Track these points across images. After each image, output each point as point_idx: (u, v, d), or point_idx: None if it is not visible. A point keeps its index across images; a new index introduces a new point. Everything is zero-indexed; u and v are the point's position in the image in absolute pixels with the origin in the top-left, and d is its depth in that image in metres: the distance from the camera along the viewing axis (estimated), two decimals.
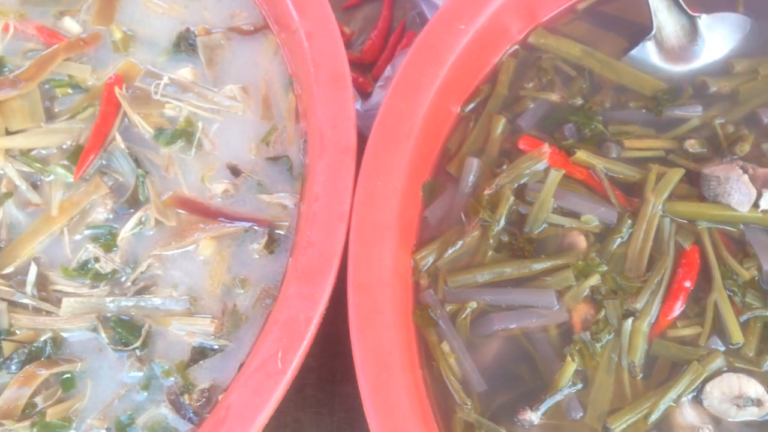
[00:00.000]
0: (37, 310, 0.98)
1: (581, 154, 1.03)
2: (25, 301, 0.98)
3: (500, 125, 1.08)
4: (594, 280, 0.98)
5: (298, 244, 0.95)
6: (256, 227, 1.04)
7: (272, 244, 1.02)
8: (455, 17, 1.04)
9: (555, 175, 1.00)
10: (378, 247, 0.94)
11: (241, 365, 0.95)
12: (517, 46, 1.14)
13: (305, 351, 0.89)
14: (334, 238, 0.93)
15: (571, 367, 0.94)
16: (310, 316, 0.90)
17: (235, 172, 1.07)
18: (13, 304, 0.98)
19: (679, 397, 0.93)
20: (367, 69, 1.41)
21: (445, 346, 0.98)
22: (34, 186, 1.06)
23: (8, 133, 1.06)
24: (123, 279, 1.01)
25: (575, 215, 1.02)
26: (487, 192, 1.03)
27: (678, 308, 0.97)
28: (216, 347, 0.98)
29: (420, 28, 1.42)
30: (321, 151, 0.98)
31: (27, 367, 0.94)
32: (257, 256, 1.03)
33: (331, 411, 1.21)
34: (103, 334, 0.97)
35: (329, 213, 0.95)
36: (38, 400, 0.94)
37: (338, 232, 0.94)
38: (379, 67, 1.39)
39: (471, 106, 1.11)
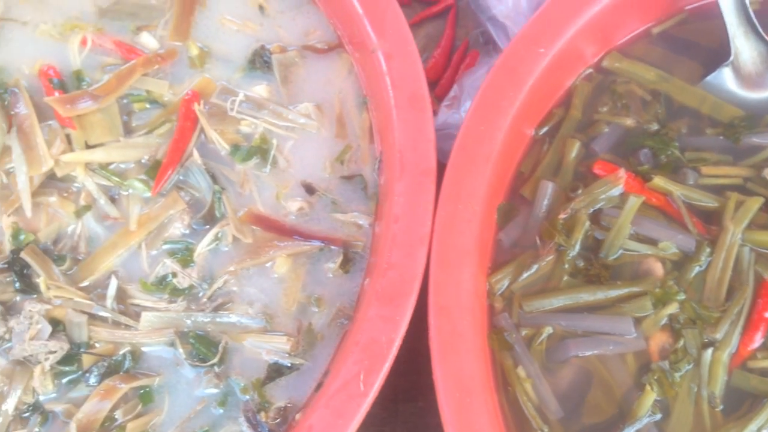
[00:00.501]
0: (116, 324, 0.99)
1: (659, 180, 1.03)
2: (104, 314, 0.99)
3: (575, 149, 1.08)
4: (672, 308, 0.97)
5: (378, 266, 0.95)
6: (331, 246, 1.04)
7: (347, 263, 1.03)
8: (535, 40, 1.04)
9: (634, 202, 0.99)
10: (458, 271, 0.94)
11: (319, 385, 0.95)
12: (591, 70, 1.14)
13: (386, 373, 0.89)
14: (415, 261, 0.93)
15: (650, 396, 0.93)
16: (391, 338, 0.90)
17: (309, 190, 1.07)
18: (92, 317, 0.99)
19: (760, 429, 0.91)
20: (430, 88, 1.40)
21: (521, 371, 0.97)
22: (112, 200, 1.07)
23: (88, 146, 1.07)
24: (200, 295, 1.02)
25: (652, 242, 1.01)
26: (562, 216, 1.03)
27: (758, 339, 0.96)
28: (292, 365, 0.98)
29: (483, 47, 1.43)
30: (400, 172, 0.99)
31: (107, 380, 0.95)
32: (332, 275, 1.03)
33: (393, 430, 1.20)
34: (181, 350, 0.98)
35: (410, 235, 0.95)
36: (117, 414, 0.95)
37: (419, 255, 0.94)
38: (443, 86, 1.39)
39: (545, 129, 1.11)
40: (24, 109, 1.08)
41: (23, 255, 1.00)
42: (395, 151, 1.01)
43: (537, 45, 1.04)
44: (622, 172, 1.04)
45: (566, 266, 1.01)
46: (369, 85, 1.12)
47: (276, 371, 0.98)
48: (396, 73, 1.03)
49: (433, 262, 0.94)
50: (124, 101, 1.12)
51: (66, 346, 0.96)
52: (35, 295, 1.01)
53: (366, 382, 0.88)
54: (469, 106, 1.24)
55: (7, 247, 1.02)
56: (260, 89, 1.13)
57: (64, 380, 0.97)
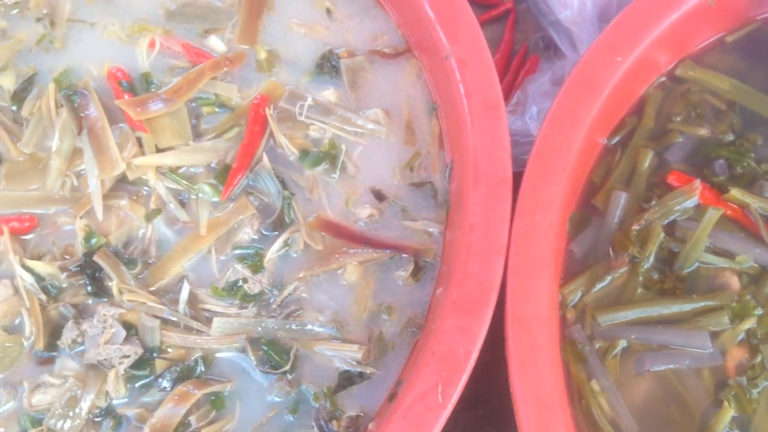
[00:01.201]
0: (188, 329, 0.99)
1: (735, 192, 1.01)
2: (175, 319, 0.99)
3: (648, 158, 1.06)
4: (750, 323, 0.96)
5: (452, 275, 0.94)
6: (401, 254, 1.03)
7: (418, 272, 1.02)
8: (612, 49, 1.02)
9: (713, 214, 0.97)
10: (536, 282, 0.93)
11: (392, 395, 0.95)
12: (664, 78, 1.12)
13: (464, 385, 0.88)
14: (493, 271, 0.92)
15: (728, 413, 0.92)
16: (469, 349, 0.89)
17: (379, 196, 1.07)
18: (164, 322, 0.99)
19: None
20: None
21: (595, 385, 0.96)
22: (182, 203, 1.07)
23: (158, 150, 1.07)
24: (270, 301, 1.01)
25: (728, 255, 1.00)
26: (635, 227, 1.02)
27: None
28: (363, 374, 0.97)
29: (543, 52, 1.41)
30: (475, 181, 0.98)
31: (180, 386, 0.95)
32: (402, 284, 1.02)
33: None
34: (252, 356, 0.97)
35: (487, 245, 0.94)
36: (190, 420, 0.94)
37: (496, 265, 0.93)
38: (503, 91, 1.37)
39: (617, 137, 1.09)
40: (94, 111, 1.08)
41: (96, 258, 1.00)
42: (469, 159, 0.99)
43: (614, 53, 1.02)
44: (697, 183, 1.02)
45: (640, 278, 1.00)
46: (439, 91, 1.10)
47: (347, 379, 0.97)
48: (470, 81, 1.02)
49: (510, 273, 0.93)
50: (193, 105, 1.11)
51: (140, 351, 0.96)
52: (106, 299, 1.01)
53: (444, 394, 0.87)
54: (533, 113, 1.23)
55: (80, 250, 1.02)
56: (328, 94, 1.12)
57: (137, 385, 0.97)
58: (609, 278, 1.01)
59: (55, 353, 0.99)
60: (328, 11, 1.17)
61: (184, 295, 0.99)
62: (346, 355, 0.98)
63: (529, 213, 0.95)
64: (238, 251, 1.04)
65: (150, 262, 1.04)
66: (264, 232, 1.05)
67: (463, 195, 0.99)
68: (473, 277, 0.93)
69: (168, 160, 1.06)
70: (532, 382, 0.88)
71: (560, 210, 0.98)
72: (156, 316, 0.98)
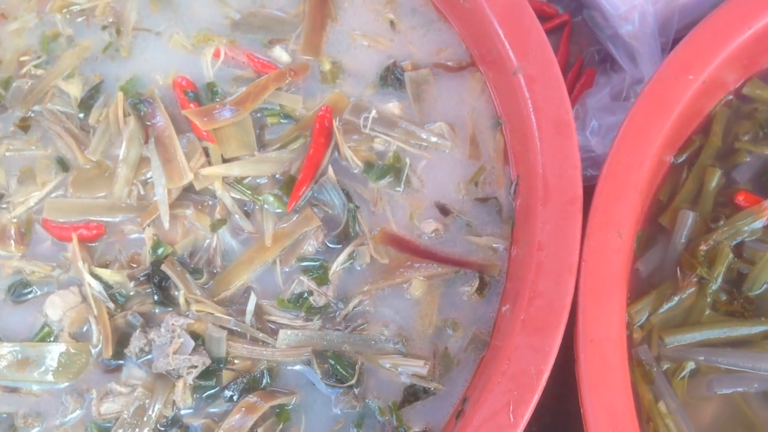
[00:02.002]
0: (254, 340, 0.99)
1: None
2: (240, 329, 0.99)
3: (715, 178, 1.05)
4: None
5: (521, 293, 0.94)
6: (466, 269, 1.03)
7: (484, 288, 1.01)
8: (684, 66, 1.01)
9: None
10: (608, 302, 0.92)
11: (459, 412, 0.94)
12: (731, 96, 1.11)
13: (535, 404, 0.88)
14: (564, 290, 0.92)
15: None
16: (541, 368, 0.89)
17: (443, 211, 1.06)
18: (230, 333, 0.99)
19: None
20: None
21: (662, 406, 0.95)
22: (246, 214, 1.07)
23: (223, 160, 1.08)
24: (335, 314, 1.01)
25: None
26: (703, 247, 1.01)
27: None
28: (428, 389, 0.97)
29: (599, 66, 1.40)
30: (544, 198, 0.97)
31: (246, 397, 0.95)
32: (467, 299, 1.02)
33: None
34: (317, 369, 0.97)
35: (557, 263, 0.93)
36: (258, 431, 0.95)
37: (568, 284, 0.92)
38: None
39: (684, 156, 1.08)
40: (161, 120, 1.09)
41: (164, 267, 1.01)
42: (538, 176, 0.99)
43: (687, 71, 1.01)
44: (766, 204, 1.01)
45: (708, 299, 0.99)
46: (504, 106, 1.10)
47: (412, 395, 0.97)
48: (539, 97, 1.01)
49: (582, 293, 0.92)
50: (258, 115, 1.12)
51: (207, 361, 0.96)
52: (171, 308, 1.02)
53: (516, 413, 0.87)
54: (593, 127, 1.23)
55: (147, 259, 1.03)
56: (392, 106, 1.12)
57: (203, 395, 0.97)
58: (676, 299, 1.00)
59: (121, 361, 1.00)
60: (392, 23, 1.17)
61: (251, 306, 0.99)
62: (411, 370, 0.98)
63: (601, 232, 0.95)
64: (302, 263, 1.04)
65: (215, 272, 1.04)
66: (328, 245, 1.05)
67: (531, 212, 0.99)
68: (544, 295, 0.92)
69: (235, 170, 1.06)
70: (605, 404, 0.88)
71: (631, 229, 0.97)
72: (223, 327, 0.99)
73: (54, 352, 0.99)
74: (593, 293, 0.92)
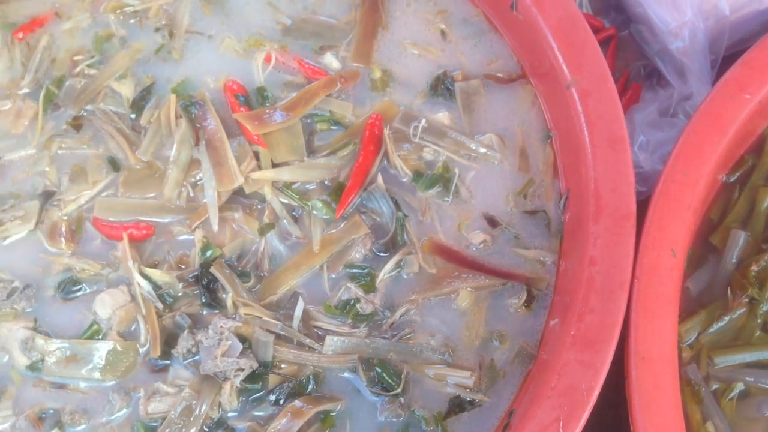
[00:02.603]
0: (301, 345, 0.99)
1: None
2: (286, 334, 0.99)
3: (767, 198, 1.04)
4: None
5: (571, 308, 0.93)
6: (513, 282, 1.02)
7: (531, 301, 1.01)
8: (742, 86, 1.01)
9: None
10: (661, 320, 0.92)
11: (505, 426, 0.94)
12: None
13: (585, 421, 0.87)
14: (616, 307, 0.91)
15: None
16: (591, 385, 0.88)
17: (492, 222, 1.06)
18: (276, 337, 0.99)
19: None
20: None
21: (711, 427, 0.94)
22: (294, 219, 1.07)
23: (273, 164, 1.08)
24: (382, 322, 1.01)
25: None
26: (754, 268, 1.00)
27: None
28: (473, 401, 0.97)
29: (645, 81, 1.39)
30: (596, 214, 0.96)
31: (293, 401, 0.95)
32: (514, 311, 1.02)
33: None
34: (363, 376, 0.97)
35: (609, 280, 0.92)
36: None
37: (620, 301, 0.91)
38: None
39: (736, 175, 1.08)
40: (212, 123, 1.09)
41: (213, 270, 1.01)
42: (589, 190, 0.98)
43: (743, 91, 1.00)
44: None
45: (759, 320, 0.98)
46: (555, 119, 1.10)
47: (458, 405, 0.97)
48: (593, 112, 1.01)
49: (635, 310, 0.92)
50: (307, 121, 1.12)
51: (255, 365, 0.96)
52: (217, 310, 1.02)
53: (566, 429, 0.86)
54: (642, 143, 1.22)
55: (196, 260, 1.03)
56: (442, 116, 1.12)
57: (249, 398, 0.98)
58: (726, 319, 0.99)
59: (167, 361, 1.00)
60: (443, 33, 1.18)
61: (298, 311, 1.00)
62: (457, 381, 0.97)
63: (654, 249, 0.94)
64: (350, 270, 1.04)
65: (262, 275, 1.04)
66: (376, 252, 1.05)
67: (582, 227, 0.98)
68: (595, 311, 0.91)
69: (285, 175, 1.07)
70: (656, 423, 0.87)
71: (684, 248, 0.96)
72: (270, 331, 0.99)
73: (102, 349, 0.99)
74: (645, 311, 0.92)
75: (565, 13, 1.06)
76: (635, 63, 1.42)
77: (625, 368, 0.91)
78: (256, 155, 1.08)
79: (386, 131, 1.08)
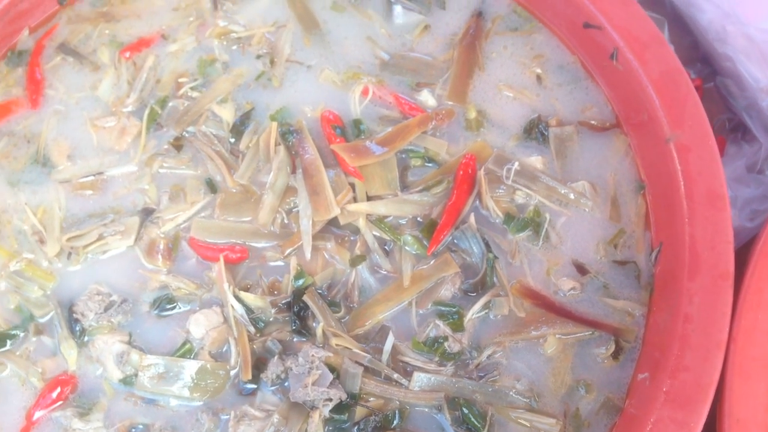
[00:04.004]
0: (388, 379, 1.00)
1: None
2: (374, 367, 1.00)
3: None
4: None
5: (664, 364, 0.93)
6: (601, 331, 1.03)
7: (619, 352, 1.01)
8: None
9: None
10: (757, 383, 0.92)
11: None
12: None
13: None
14: (712, 366, 0.91)
15: None
16: None
17: (581, 270, 1.07)
18: (364, 369, 1.00)
19: None
20: None
21: None
22: (386, 253, 1.08)
23: (368, 197, 1.10)
24: (468, 362, 1.02)
25: None
26: None
27: None
28: None
29: (729, 134, 1.39)
30: (693, 270, 0.97)
31: None
32: (601, 361, 1.02)
33: None
34: (447, 415, 0.98)
35: (706, 338, 0.92)
36: None
37: (716, 360, 0.91)
38: None
39: None
40: (310, 152, 1.12)
41: (305, 298, 1.03)
42: (684, 246, 0.99)
43: None
44: None
45: None
46: (649, 171, 1.10)
47: None
48: (692, 167, 1.02)
49: (731, 371, 0.92)
50: (402, 156, 1.14)
51: (344, 396, 0.98)
52: (306, 338, 1.04)
53: None
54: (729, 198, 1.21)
55: (289, 287, 1.05)
56: (534, 160, 1.13)
57: (335, 428, 0.99)
58: None
59: (255, 386, 1.02)
60: (539, 78, 1.19)
61: (388, 345, 1.01)
62: (542, 427, 0.98)
63: (753, 311, 0.94)
64: (438, 307, 1.05)
65: (351, 306, 1.06)
66: (465, 292, 1.06)
67: (676, 282, 0.99)
68: (690, 369, 0.91)
69: (380, 209, 1.08)
70: None
71: None
72: (358, 363, 1.00)
73: (193, 368, 1.01)
74: (742, 372, 0.92)
75: (668, 67, 1.07)
76: (720, 116, 1.42)
77: (718, 430, 0.90)
78: (353, 186, 1.10)
79: (481, 172, 1.09)
